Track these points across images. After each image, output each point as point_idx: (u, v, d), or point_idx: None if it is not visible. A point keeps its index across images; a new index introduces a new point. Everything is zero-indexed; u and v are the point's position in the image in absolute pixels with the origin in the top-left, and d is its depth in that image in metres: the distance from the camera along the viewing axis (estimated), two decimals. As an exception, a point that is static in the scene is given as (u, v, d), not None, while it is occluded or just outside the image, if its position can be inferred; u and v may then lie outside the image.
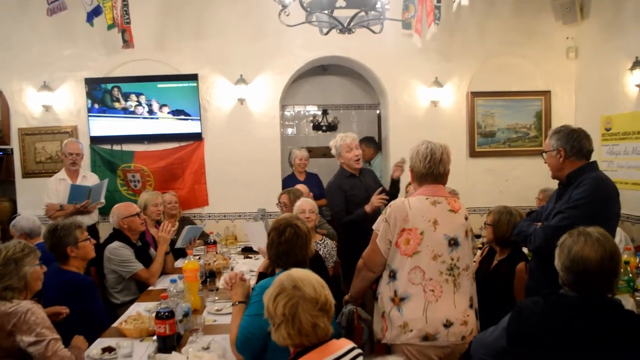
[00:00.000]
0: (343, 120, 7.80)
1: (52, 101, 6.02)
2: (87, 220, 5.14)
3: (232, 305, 2.64)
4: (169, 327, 2.58)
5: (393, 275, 2.66)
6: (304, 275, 1.91)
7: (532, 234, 2.79)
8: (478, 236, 4.42)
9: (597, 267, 1.92)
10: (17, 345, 2.42)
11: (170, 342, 2.59)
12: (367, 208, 4.19)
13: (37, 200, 5.49)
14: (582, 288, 1.96)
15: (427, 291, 2.59)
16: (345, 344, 1.88)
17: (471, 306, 2.69)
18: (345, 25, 3.21)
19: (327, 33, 3.50)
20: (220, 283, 3.39)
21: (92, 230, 5.18)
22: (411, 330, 2.57)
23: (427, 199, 2.69)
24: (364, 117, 7.80)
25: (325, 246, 4.16)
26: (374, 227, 2.78)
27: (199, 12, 6.02)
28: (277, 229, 2.66)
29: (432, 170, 2.71)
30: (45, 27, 5.75)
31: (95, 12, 4.97)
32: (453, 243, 2.64)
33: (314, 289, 1.85)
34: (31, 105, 6.04)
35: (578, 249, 1.96)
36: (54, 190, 5.24)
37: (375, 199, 4.18)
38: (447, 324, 2.58)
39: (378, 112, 7.36)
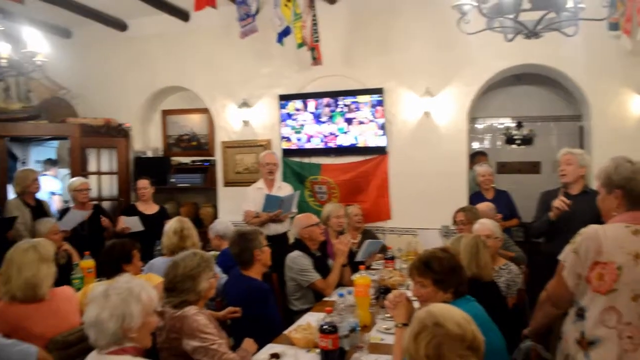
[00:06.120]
0: (540, 133, 7.17)
1: (250, 116, 6.55)
2: (280, 228, 5.45)
3: (395, 326, 2.52)
4: (332, 342, 2.55)
5: (581, 314, 2.27)
6: (444, 309, 1.70)
7: None
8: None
9: None
10: (184, 349, 2.54)
11: (332, 357, 2.57)
12: (551, 215, 3.92)
13: (235, 207, 5.93)
14: None
15: (624, 337, 2.15)
16: None
17: (686, 363, 2.17)
18: (532, 29, 2.90)
19: (512, 39, 3.20)
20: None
21: (284, 237, 5.46)
22: (600, 382, 2.18)
23: (627, 227, 2.25)
24: (563, 129, 7.05)
25: (509, 272, 3.80)
26: (560, 257, 2.39)
27: (384, 27, 6.04)
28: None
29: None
30: (245, 48, 6.21)
31: (285, 32, 5.26)
32: (662, 283, 2.18)
33: (458, 325, 1.63)
34: (232, 121, 6.66)
35: None
36: (251, 198, 5.53)
37: (557, 201, 3.86)
38: (649, 381, 2.12)
39: (580, 124, 6.63)
